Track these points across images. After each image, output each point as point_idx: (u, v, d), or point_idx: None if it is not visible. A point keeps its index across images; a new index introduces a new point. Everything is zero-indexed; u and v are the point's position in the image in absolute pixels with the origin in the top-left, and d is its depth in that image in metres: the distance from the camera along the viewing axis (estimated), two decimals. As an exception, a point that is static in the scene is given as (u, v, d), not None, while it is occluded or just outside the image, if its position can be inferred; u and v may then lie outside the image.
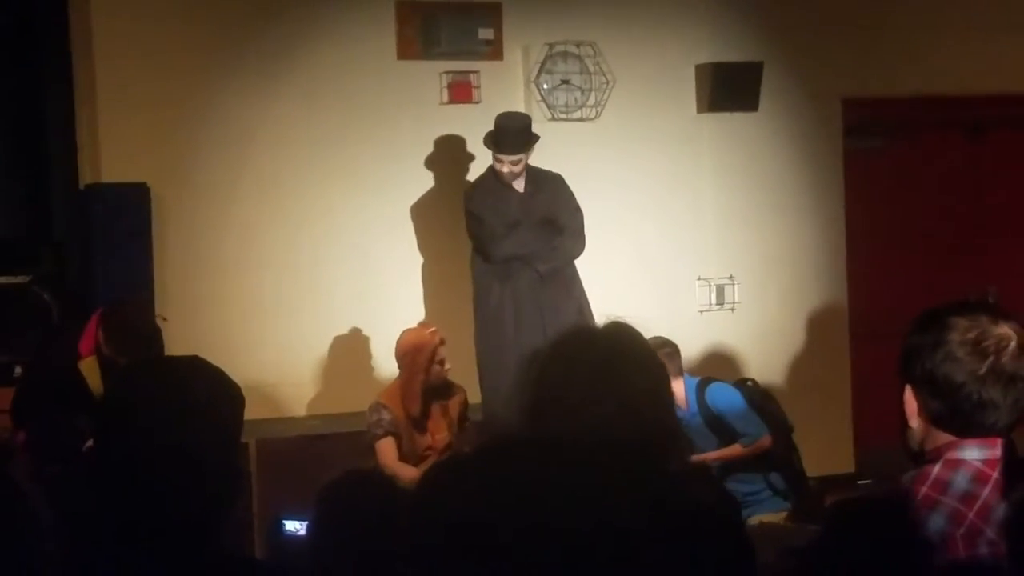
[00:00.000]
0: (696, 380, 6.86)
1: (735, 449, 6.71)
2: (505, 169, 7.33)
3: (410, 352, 6.65)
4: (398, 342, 6.72)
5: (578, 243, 7.49)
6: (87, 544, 2.32)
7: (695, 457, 6.55)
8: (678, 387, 6.69)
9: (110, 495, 2.32)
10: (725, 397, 6.75)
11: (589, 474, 1.54)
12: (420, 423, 6.62)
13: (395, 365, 7.74)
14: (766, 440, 6.77)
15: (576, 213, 7.49)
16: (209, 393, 2.34)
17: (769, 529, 6.41)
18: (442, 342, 6.65)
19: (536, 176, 7.50)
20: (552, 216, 7.42)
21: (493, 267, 7.39)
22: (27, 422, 6.39)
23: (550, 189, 7.49)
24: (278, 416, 7.63)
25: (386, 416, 6.59)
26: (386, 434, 6.59)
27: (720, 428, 6.72)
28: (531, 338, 7.06)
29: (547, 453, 1.56)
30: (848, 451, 8.80)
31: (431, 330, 6.69)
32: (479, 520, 1.47)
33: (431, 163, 8.09)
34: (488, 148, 7.38)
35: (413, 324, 7.86)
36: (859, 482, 8.31)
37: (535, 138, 7.41)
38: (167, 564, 2.26)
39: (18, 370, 7.06)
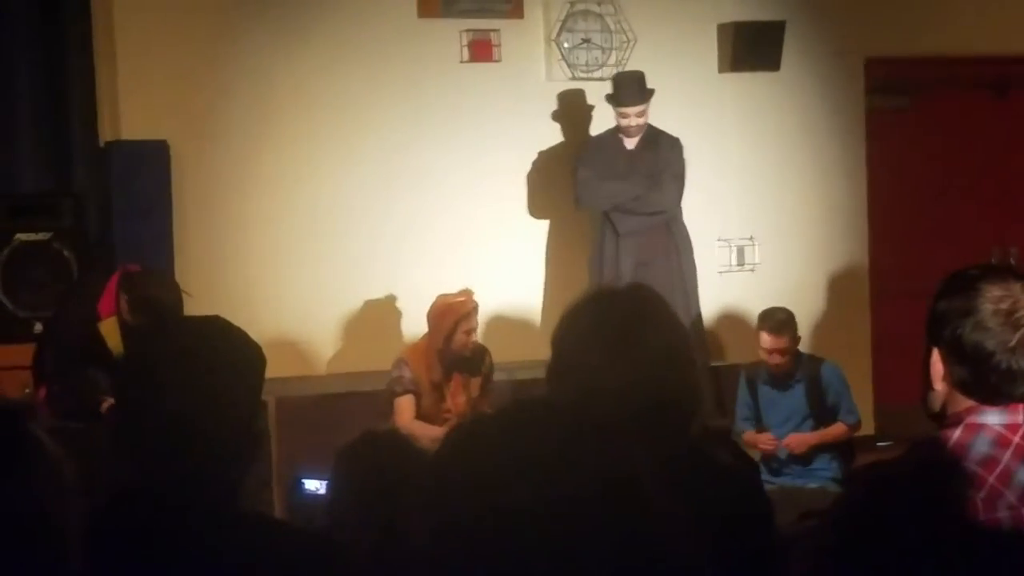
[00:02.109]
0: (808, 353, 7.10)
1: (839, 428, 6.86)
2: (633, 123, 7.60)
3: (436, 316, 6.64)
4: (431, 304, 6.71)
5: (664, 198, 7.62)
6: (109, 502, 2.33)
7: (792, 438, 6.68)
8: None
9: (131, 454, 2.32)
10: (839, 375, 6.95)
11: (607, 437, 1.53)
12: (439, 387, 6.61)
13: (418, 323, 7.76)
14: (859, 425, 7.00)
15: (676, 176, 7.65)
16: (230, 353, 2.34)
17: (789, 492, 6.43)
18: (474, 311, 6.64)
19: (652, 135, 7.72)
20: (654, 174, 7.55)
21: (603, 224, 7.66)
22: (48, 379, 6.42)
23: (660, 149, 7.65)
24: (299, 374, 7.64)
25: (407, 374, 6.59)
26: (405, 392, 6.59)
27: (819, 401, 6.82)
28: None
29: (566, 416, 1.56)
30: (868, 412, 8.77)
31: (461, 298, 6.67)
32: (496, 481, 1.47)
33: (451, 121, 8.06)
34: (611, 104, 7.66)
35: (435, 281, 7.90)
36: (879, 443, 8.30)
37: (652, 91, 7.66)
38: (187, 522, 2.27)
39: (38, 326, 7.08)
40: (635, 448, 1.53)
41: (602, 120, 8.33)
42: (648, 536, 1.48)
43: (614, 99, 7.67)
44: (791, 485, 6.73)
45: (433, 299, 7.37)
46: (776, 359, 6.80)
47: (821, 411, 6.85)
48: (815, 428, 6.86)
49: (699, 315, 7.82)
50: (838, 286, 8.86)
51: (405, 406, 6.57)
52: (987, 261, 8.86)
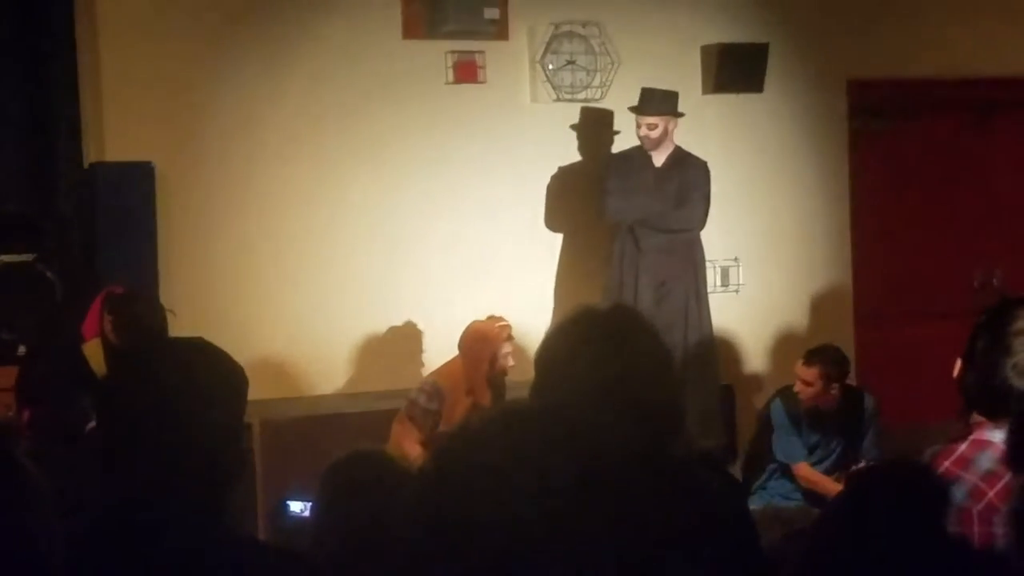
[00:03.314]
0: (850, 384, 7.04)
1: None
2: (641, 132, 7.67)
3: (478, 341, 6.65)
4: (465, 330, 6.72)
5: (692, 216, 7.68)
6: (90, 525, 2.33)
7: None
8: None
9: (113, 476, 2.32)
10: (878, 408, 6.93)
11: (590, 436, 1.53)
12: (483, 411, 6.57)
13: (405, 344, 7.76)
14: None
15: (703, 196, 7.71)
16: (213, 374, 2.34)
17: (775, 512, 6.43)
18: (509, 337, 6.69)
19: (680, 156, 7.77)
20: (681, 194, 7.63)
21: (623, 240, 7.66)
22: (31, 402, 6.40)
23: (687, 170, 7.72)
24: (284, 396, 7.62)
25: (434, 406, 6.55)
26: (421, 424, 6.52)
27: (855, 432, 6.86)
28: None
29: (549, 420, 1.55)
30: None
31: (501, 323, 6.70)
32: (481, 492, 1.47)
33: (436, 142, 8.07)
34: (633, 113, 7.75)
35: (421, 301, 7.89)
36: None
37: (676, 110, 7.71)
38: (172, 544, 2.26)
39: (22, 349, 7.06)
40: (617, 467, 1.53)
41: (588, 142, 8.36)
42: (633, 552, 1.48)
43: (635, 108, 7.74)
44: (776, 504, 6.72)
45: (408, 320, 7.39)
46: (799, 387, 6.77)
47: (850, 440, 6.85)
48: (842, 455, 6.84)
49: (711, 335, 7.83)
50: (822, 307, 8.88)
51: (414, 436, 6.52)
52: (969, 284, 8.91)
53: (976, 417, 2.52)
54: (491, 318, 6.80)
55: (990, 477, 2.43)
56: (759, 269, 8.71)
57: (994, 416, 2.48)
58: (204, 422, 2.29)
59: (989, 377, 2.49)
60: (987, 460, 2.44)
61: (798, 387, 6.78)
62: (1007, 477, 2.42)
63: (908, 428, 7.05)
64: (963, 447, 2.46)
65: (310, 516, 3.94)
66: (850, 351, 8.94)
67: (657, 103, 7.70)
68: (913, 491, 2.41)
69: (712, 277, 8.49)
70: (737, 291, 8.66)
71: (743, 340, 8.66)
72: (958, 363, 2.59)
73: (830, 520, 2.51)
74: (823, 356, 6.83)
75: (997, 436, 2.46)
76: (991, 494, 2.41)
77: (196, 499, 2.29)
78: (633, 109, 7.75)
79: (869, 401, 6.93)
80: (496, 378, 6.68)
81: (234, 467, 2.36)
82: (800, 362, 6.82)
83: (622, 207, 7.69)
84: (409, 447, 6.46)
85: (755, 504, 6.53)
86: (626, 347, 2.47)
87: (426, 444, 6.51)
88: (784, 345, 8.75)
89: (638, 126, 7.70)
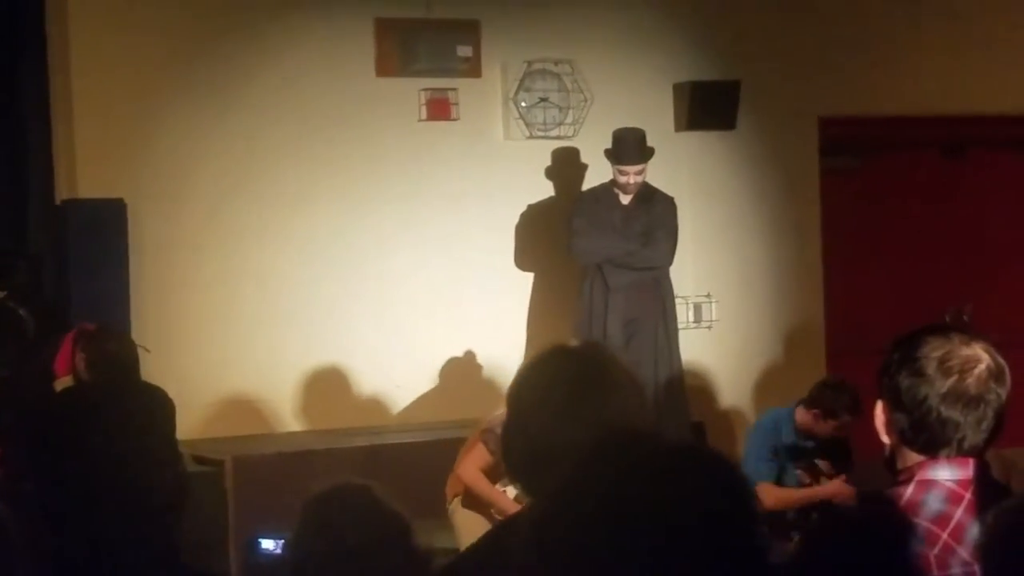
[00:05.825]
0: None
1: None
2: (631, 180, 7.64)
3: None
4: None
5: (657, 254, 7.67)
6: (57, 564, 2.32)
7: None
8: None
9: (58, 516, 2.32)
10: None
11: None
12: None
13: (373, 383, 7.75)
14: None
15: (669, 233, 7.70)
16: (141, 405, 2.35)
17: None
18: None
19: (647, 193, 7.75)
20: (649, 230, 7.62)
21: (592, 277, 7.65)
22: (3, 439, 6.36)
23: (654, 206, 7.72)
24: (254, 433, 7.60)
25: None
26: (492, 447, 6.20)
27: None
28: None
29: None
30: (825, 469, 8.80)
31: None
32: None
33: (409, 179, 8.08)
34: (610, 161, 7.66)
35: (393, 340, 7.87)
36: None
37: (652, 150, 7.69)
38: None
39: (-7, 386, 7.03)
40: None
41: (561, 179, 8.39)
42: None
43: (614, 157, 7.65)
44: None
45: (378, 357, 7.32)
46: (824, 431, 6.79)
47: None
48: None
49: (681, 372, 7.81)
50: (795, 343, 8.90)
51: (480, 460, 6.18)
52: (941, 320, 8.94)
53: (913, 456, 2.50)
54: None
55: (941, 519, 2.41)
56: (732, 305, 8.73)
57: (934, 452, 2.47)
58: (141, 451, 2.30)
59: (923, 414, 2.47)
60: (935, 501, 2.42)
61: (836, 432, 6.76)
62: (958, 515, 2.41)
63: (881, 463, 7.05)
64: (910, 491, 2.44)
65: (289, 548, 3.89)
66: (822, 387, 8.97)
67: (639, 147, 7.66)
68: (878, 528, 2.42)
69: (685, 313, 8.50)
70: (710, 327, 8.68)
71: (716, 376, 8.67)
72: (879, 407, 2.55)
73: (797, 562, 2.51)
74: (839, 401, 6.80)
75: (940, 473, 2.45)
76: (945, 536, 2.40)
77: (148, 528, 2.29)
78: (613, 158, 7.66)
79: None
80: None
81: (177, 491, 2.37)
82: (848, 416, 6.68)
83: (588, 247, 7.69)
84: (466, 469, 6.10)
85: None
86: (599, 385, 2.47)
87: (488, 473, 6.22)
88: (757, 381, 8.77)
89: (623, 174, 7.62)
